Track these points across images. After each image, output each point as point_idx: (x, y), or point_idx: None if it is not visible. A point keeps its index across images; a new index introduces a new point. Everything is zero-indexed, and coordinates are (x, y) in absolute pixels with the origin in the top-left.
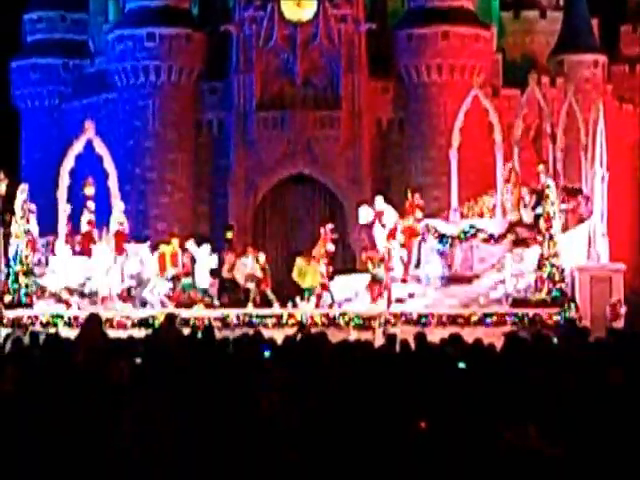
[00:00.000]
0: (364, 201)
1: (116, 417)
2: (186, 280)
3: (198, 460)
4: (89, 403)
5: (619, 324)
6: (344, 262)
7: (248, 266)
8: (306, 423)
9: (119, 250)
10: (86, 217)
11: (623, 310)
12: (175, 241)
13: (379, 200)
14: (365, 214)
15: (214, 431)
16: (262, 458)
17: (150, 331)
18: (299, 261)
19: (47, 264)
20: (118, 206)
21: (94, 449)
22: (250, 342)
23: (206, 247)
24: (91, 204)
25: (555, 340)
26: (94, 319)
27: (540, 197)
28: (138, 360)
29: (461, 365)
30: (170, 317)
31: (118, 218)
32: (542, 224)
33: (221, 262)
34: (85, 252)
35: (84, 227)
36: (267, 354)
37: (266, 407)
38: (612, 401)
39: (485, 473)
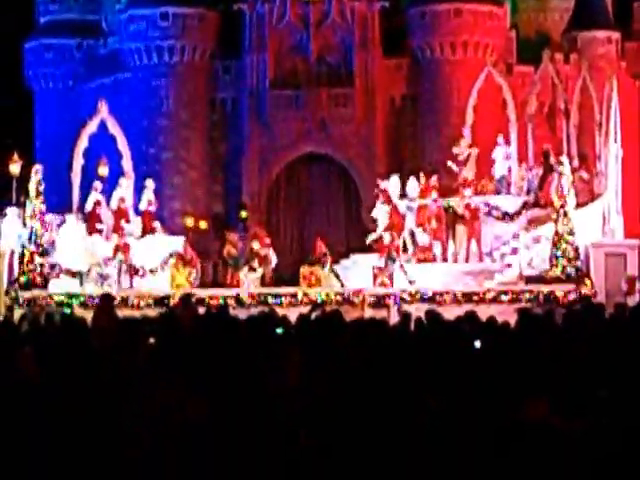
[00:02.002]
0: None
1: (130, 397)
2: None
3: (210, 443)
4: (107, 383)
5: (635, 299)
6: (358, 240)
7: None
8: (319, 402)
9: (148, 229)
10: (93, 197)
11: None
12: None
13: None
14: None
15: (228, 413)
16: (276, 438)
17: (164, 310)
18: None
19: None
20: (149, 185)
21: (111, 430)
22: (264, 321)
23: None
24: (98, 184)
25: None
26: (107, 299)
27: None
28: (152, 340)
29: (477, 344)
30: (185, 297)
31: (148, 197)
32: (556, 201)
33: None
34: (92, 231)
35: (90, 206)
36: (279, 331)
37: (279, 387)
38: (626, 376)
39: (500, 450)
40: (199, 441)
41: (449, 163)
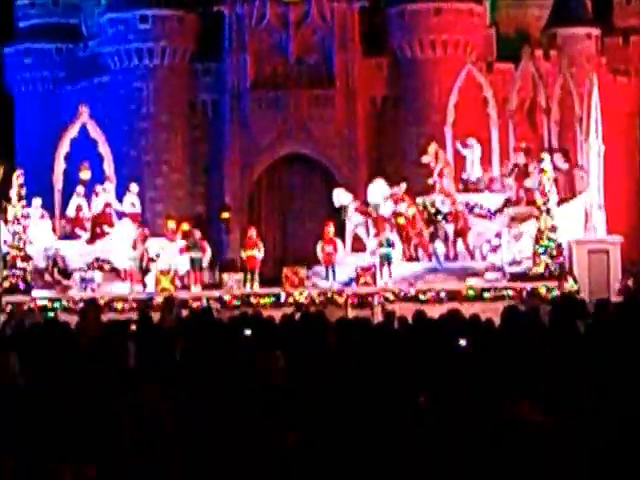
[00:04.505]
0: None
1: (119, 403)
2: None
3: (198, 443)
4: (94, 388)
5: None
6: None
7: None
8: (305, 402)
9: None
10: (75, 201)
11: (630, 283)
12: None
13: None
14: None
15: (215, 413)
16: (264, 439)
17: (142, 312)
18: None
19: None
20: (132, 188)
21: (98, 433)
22: (245, 322)
23: None
24: (81, 189)
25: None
26: (93, 304)
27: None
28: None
29: (462, 342)
30: (169, 299)
31: (131, 200)
32: (538, 198)
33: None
34: (73, 236)
35: (72, 211)
36: (248, 332)
37: (265, 387)
38: (609, 372)
39: (485, 446)
40: (185, 441)
41: (424, 159)
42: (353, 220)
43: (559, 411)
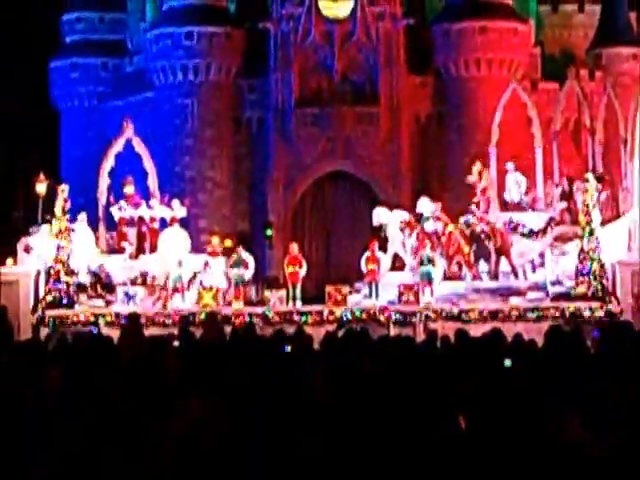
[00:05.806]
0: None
1: (157, 415)
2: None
3: (235, 461)
4: (137, 403)
5: None
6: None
7: None
8: (344, 419)
9: None
10: (118, 216)
11: None
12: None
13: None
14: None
15: (250, 428)
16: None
17: (184, 328)
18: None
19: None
20: (174, 205)
21: (137, 449)
22: (289, 339)
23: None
24: (123, 204)
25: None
26: (135, 318)
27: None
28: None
29: (507, 362)
30: (211, 315)
31: (173, 213)
32: (582, 218)
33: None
34: (119, 250)
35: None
36: (288, 349)
37: (307, 407)
38: None
39: (532, 470)
40: (223, 458)
41: (468, 179)
42: (395, 237)
43: (606, 432)
